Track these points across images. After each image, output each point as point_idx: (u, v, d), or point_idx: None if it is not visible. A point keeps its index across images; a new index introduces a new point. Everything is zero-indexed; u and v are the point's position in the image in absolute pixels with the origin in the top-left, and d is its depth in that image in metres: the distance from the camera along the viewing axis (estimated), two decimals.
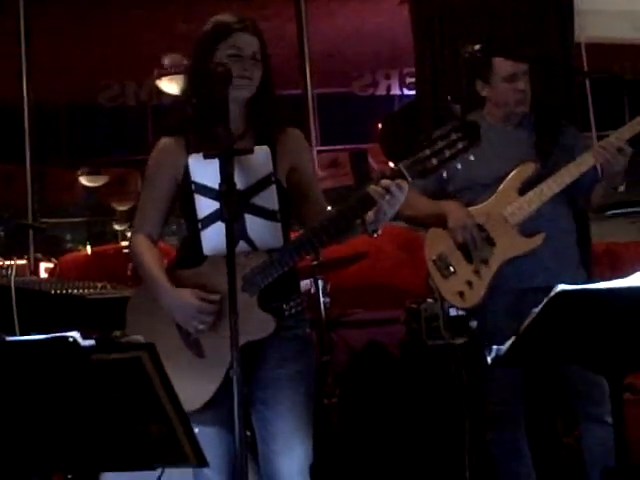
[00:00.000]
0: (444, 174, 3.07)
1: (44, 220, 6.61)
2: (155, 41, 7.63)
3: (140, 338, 1.85)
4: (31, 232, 5.55)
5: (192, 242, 2.50)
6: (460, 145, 2.23)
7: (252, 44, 2.52)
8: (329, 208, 2.56)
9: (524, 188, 3.32)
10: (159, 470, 2.59)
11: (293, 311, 2.53)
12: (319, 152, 7.12)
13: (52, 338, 1.65)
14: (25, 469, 1.80)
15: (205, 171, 2.36)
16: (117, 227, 9.53)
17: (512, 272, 3.29)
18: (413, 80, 6.31)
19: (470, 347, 3.64)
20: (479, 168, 2.91)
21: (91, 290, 3.46)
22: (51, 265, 5.48)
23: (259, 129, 2.57)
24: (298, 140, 2.65)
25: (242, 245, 2.38)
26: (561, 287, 1.89)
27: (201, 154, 2.33)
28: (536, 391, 3.70)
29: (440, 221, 3.38)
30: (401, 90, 9.55)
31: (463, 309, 3.44)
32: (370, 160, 9.45)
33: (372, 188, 2.27)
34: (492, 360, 2.07)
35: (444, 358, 3.76)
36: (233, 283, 2.16)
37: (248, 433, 2.47)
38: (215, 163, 2.23)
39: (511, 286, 3.30)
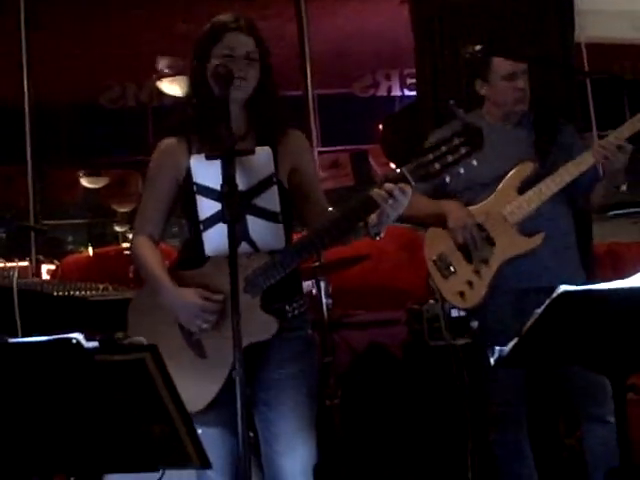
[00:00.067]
0: (447, 178, 3.07)
1: (45, 222, 6.59)
2: (155, 41, 7.63)
3: (142, 339, 1.85)
4: (33, 234, 5.53)
5: (194, 243, 2.50)
6: (463, 150, 2.23)
7: (246, 44, 2.51)
8: (330, 209, 2.56)
9: (523, 187, 3.32)
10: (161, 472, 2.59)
11: (296, 312, 2.52)
12: (320, 153, 7.10)
13: (56, 340, 1.65)
14: (28, 470, 1.80)
15: (207, 172, 2.35)
16: (118, 229, 9.55)
17: (512, 272, 3.29)
18: (414, 81, 6.30)
19: (472, 348, 3.63)
20: (478, 167, 2.89)
21: (93, 292, 3.46)
22: (53, 267, 5.47)
23: (260, 130, 2.56)
24: (299, 141, 2.65)
25: (244, 246, 2.38)
26: (563, 288, 1.89)
27: (203, 155, 2.34)
28: (538, 392, 3.70)
29: (440, 221, 3.37)
30: (402, 91, 9.54)
31: (464, 309, 3.44)
32: (371, 161, 9.44)
33: (375, 192, 2.27)
34: (495, 361, 2.07)
35: (446, 359, 3.76)
36: (235, 284, 2.16)
37: (251, 434, 2.47)
38: (217, 164, 2.23)
39: (511, 286, 3.29)
